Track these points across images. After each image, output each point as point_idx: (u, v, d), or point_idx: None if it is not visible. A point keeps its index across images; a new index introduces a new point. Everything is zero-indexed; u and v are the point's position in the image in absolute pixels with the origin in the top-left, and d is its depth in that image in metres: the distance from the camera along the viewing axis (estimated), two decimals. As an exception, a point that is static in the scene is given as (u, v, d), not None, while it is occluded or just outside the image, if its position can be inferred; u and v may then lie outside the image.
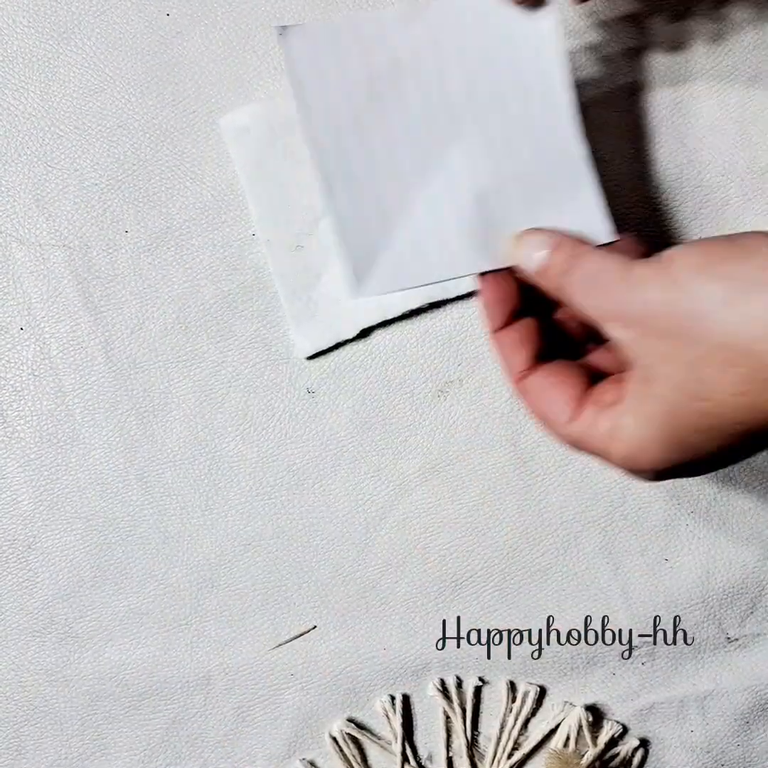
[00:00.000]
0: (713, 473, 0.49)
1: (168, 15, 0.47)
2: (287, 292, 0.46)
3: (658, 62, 0.47)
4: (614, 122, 0.47)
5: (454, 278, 0.42)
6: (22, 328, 0.47)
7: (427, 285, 0.42)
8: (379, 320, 0.46)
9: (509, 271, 0.41)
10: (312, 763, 0.48)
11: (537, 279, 0.40)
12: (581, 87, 0.47)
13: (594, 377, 0.40)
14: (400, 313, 0.46)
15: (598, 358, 0.42)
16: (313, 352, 0.47)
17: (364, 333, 0.47)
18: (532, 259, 0.40)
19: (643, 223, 0.47)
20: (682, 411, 0.34)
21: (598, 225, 0.42)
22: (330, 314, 0.46)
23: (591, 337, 0.42)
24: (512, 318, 0.41)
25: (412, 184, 0.41)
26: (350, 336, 0.46)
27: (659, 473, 0.36)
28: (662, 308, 0.34)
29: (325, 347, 0.47)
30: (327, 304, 0.46)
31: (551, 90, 0.41)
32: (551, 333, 0.42)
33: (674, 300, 0.33)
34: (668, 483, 0.48)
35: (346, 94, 0.40)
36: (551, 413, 0.39)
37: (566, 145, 0.42)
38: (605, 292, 0.36)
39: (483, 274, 0.41)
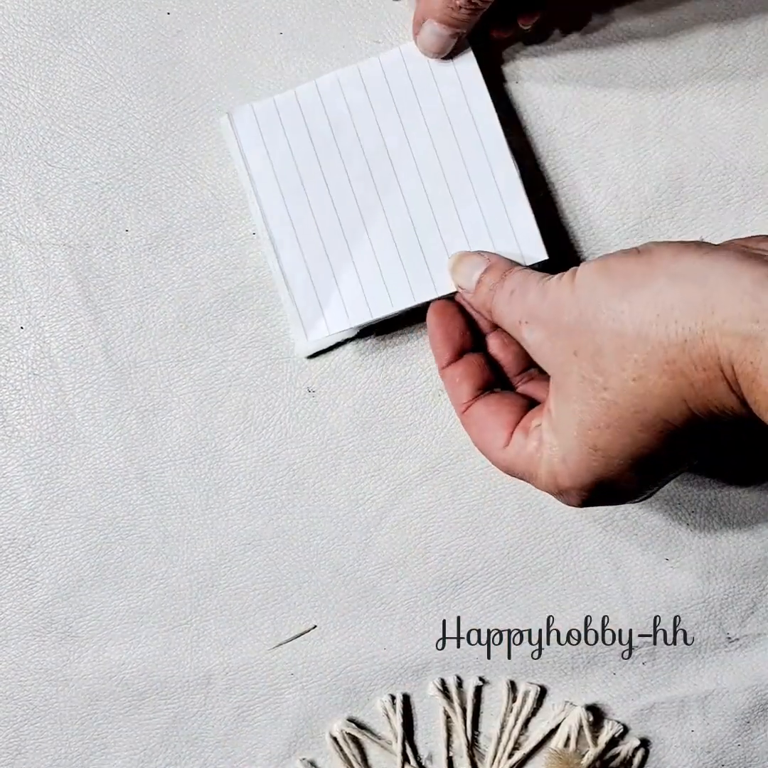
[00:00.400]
0: (714, 473, 0.49)
1: (168, 14, 0.47)
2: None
3: (658, 62, 0.47)
4: (614, 122, 0.47)
5: (401, 310, 0.45)
6: (22, 327, 0.47)
7: (375, 320, 0.45)
8: (380, 318, 0.46)
9: (456, 311, 0.44)
10: (312, 763, 0.48)
11: (470, 298, 0.43)
12: (581, 86, 0.47)
13: (533, 405, 0.42)
14: (400, 310, 0.45)
15: (531, 388, 0.44)
16: (314, 351, 0.47)
17: (364, 333, 0.47)
18: (470, 280, 0.43)
19: (643, 223, 0.47)
20: (590, 407, 0.36)
21: (533, 247, 0.45)
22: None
23: (522, 369, 0.45)
24: (459, 355, 0.43)
25: (356, 231, 0.45)
26: (350, 335, 0.46)
27: (585, 492, 0.38)
28: (566, 309, 0.37)
29: (325, 346, 0.47)
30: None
31: (482, 123, 0.45)
32: (494, 367, 0.44)
33: (575, 300, 0.36)
34: (669, 483, 0.48)
35: (290, 160, 0.45)
36: (488, 441, 0.41)
37: (500, 174, 0.45)
38: (522, 300, 0.39)
39: (430, 309, 0.44)
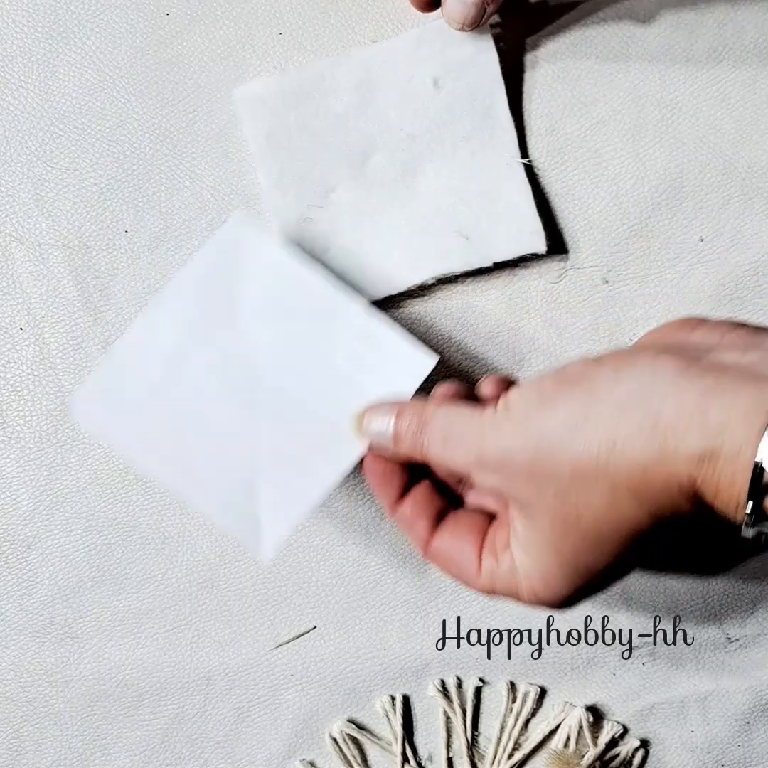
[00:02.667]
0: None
1: (167, 14, 0.47)
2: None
3: (658, 62, 0.47)
4: (614, 121, 0.47)
5: (335, 481, 0.42)
6: (21, 328, 0.47)
7: (316, 501, 0.42)
8: (384, 295, 0.46)
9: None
10: (312, 764, 0.48)
11: (394, 450, 0.40)
12: (582, 86, 0.47)
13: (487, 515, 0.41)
14: (404, 288, 0.46)
15: (477, 498, 0.42)
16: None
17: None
18: (383, 435, 0.41)
19: (643, 223, 0.47)
20: (566, 538, 0.35)
21: (416, 361, 0.43)
22: None
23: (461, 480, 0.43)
24: (403, 493, 0.41)
25: (246, 445, 0.43)
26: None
27: (568, 600, 0.37)
28: (516, 453, 0.35)
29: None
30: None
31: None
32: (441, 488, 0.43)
33: (523, 443, 0.35)
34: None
35: (145, 431, 0.42)
36: (460, 573, 0.40)
37: (361, 322, 0.43)
38: (462, 443, 0.37)
39: (364, 463, 0.42)
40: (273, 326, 0.43)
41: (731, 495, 0.31)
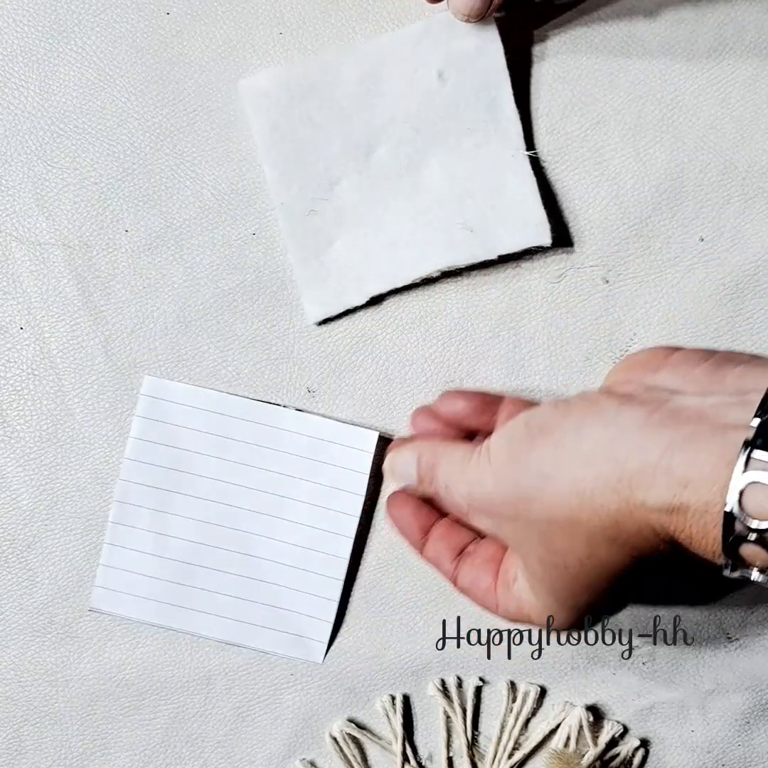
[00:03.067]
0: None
1: (168, 14, 0.47)
2: (299, 257, 0.46)
3: (659, 61, 0.47)
4: (614, 121, 0.47)
5: (344, 571, 0.47)
6: (21, 328, 0.47)
7: (338, 595, 0.47)
8: (388, 288, 0.46)
9: (407, 496, 0.44)
10: (312, 764, 0.48)
11: (421, 492, 0.43)
12: (582, 86, 0.47)
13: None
14: (410, 281, 0.46)
15: None
16: (323, 317, 0.46)
17: (374, 301, 0.47)
18: (410, 478, 0.42)
19: (644, 223, 0.47)
20: (558, 581, 0.36)
21: (360, 439, 0.47)
22: (340, 280, 0.46)
23: None
24: (427, 532, 0.43)
25: (255, 573, 0.47)
26: (359, 303, 0.46)
27: (577, 626, 0.39)
28: (498, 500, 0.37)
29: (335, 313, 0.47)
30: (338, 269, 0.46)
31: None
32: None
33: (503, 491, 0.37)
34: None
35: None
36: (485, 605, 0.41)
37: (298, 422, 0.47)
38: (458, 488, 0.39)
39: (388, 504, 0.45)
40: (227, 457, 0.46)
41: (706, 543, 0.32)
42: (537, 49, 0.47)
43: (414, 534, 0.44)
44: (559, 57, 0.47)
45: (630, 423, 0.33)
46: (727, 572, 0.32)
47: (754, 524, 0.30)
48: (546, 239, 0.45)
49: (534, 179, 0.45)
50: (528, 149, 0.46)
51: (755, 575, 0.32)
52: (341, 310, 0.46)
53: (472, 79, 0.45)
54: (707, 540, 0.31)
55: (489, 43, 0.44)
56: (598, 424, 0.34)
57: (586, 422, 0.34)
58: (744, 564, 0.32)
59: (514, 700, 0.49)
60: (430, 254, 0.45)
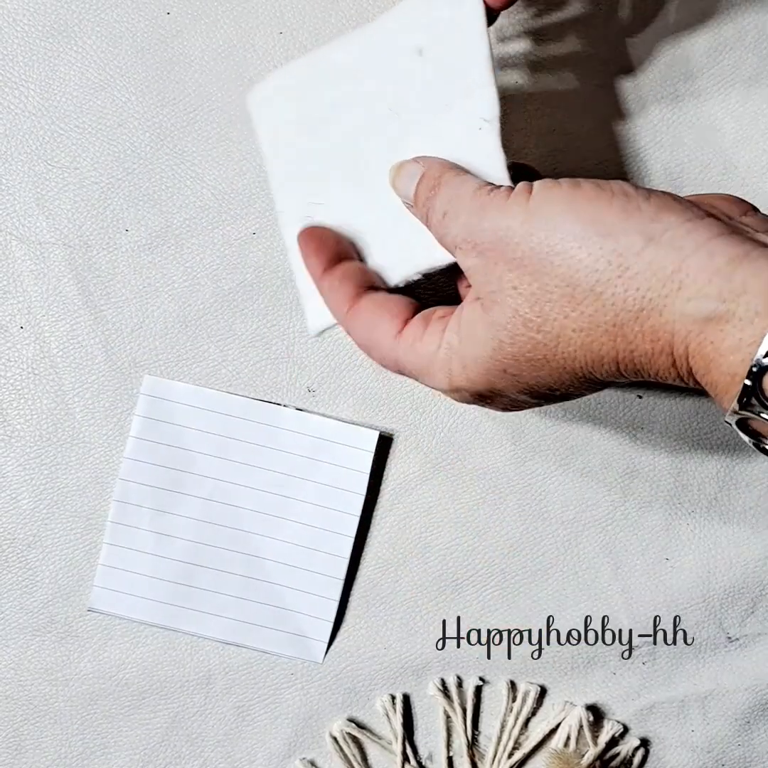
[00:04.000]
0: (714, 472, 0.48)
1: (168, 13, 0.47)
2: (299, 267, 0.42)
3: (659, 61, 0.47)
4: (614, 122, 0.47)
5: (344, 572, 0.47)
6: (22, 327, 0.47)
7: (338, 596, 0.47)
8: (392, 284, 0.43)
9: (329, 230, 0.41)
10: (312, 763, 0.48)
11: (414, 213, 0.38)
12: (582, 85, 0.47)
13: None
14: (403, 282, 0.41)
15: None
16: (324, 328, 0.43)
17: None
18: (408, 193, 0.38)
19: (644, 222, 0.47)
20: (516, 339, 0.34)
21: (361, 439, 0.47)
22: None
23: None
24: (336, 262, 0.39)
25: (256, 571, 0.47)
26: None
27: (475, 395, 0.36)
28: (516, 238, 0.33)
29: (335, 323, 0.43)
30: None
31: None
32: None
33: (530, 231, 0.33)
34: (668, 483, 0.48)
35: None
36: (377, 335, 0.38)
37: (298, 422, 0.47)
38: (457, 217, 0.35)
39: (300, 232, 0.41)
40: (226, 456, 0.47)
41: (729, 365, 0.30)
42: (537, 50, 0.47)
43: (323, 255, 0.39)
44: (559, 57, 0.47)
45: (707, 231, 0.31)
46: (729, 415, 0.31)
47: None
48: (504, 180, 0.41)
49: (502, 155, 0.38)
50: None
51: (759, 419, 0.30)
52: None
53: (451, 50, 0.40)
54: (733, 359, 0.30)
55: (468, 8, 0.39)
56: (678, 218, 0.31)
57: (668, 211, 0.32)
58: (757, 399, 0.30)
59: (514, 700, 0.49)
60: (418, 254, 0.41)
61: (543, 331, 0.33)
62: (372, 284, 0.39)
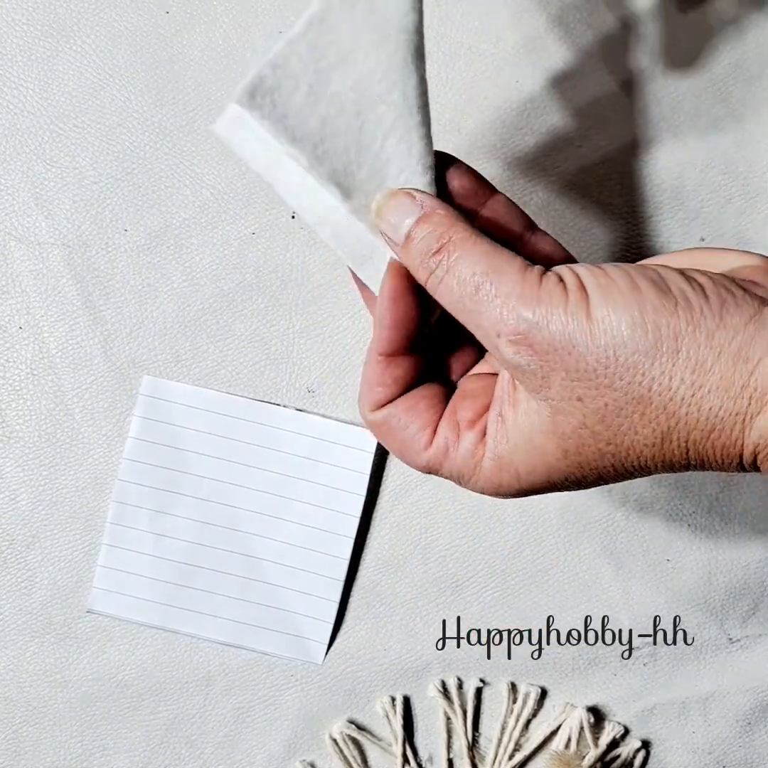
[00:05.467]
0: (715, 473, 0.48)
1: (167, 12, 0.46)
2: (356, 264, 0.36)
3: (660, 61, 0.47)
4: (615, 121, 0.47)
5: (344, 572, 0.47)
6: (20, 327, 0.47)
7: (338, 596, 0.47)
8: None
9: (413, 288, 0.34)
10: (312, 765, 0.48)
11: (400, 254, 0.33)
12: (582, 85, 0.47)
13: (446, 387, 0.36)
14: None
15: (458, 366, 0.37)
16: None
17: None
18: (397, 231, 0.33)
19: (645, 222, 0.47)
20: (583, 450, 0.32)
21: (361, 440, 0.47)
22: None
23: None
24: (406, 350, 0.35)
25: (255, 573, 0.47)
26: None
27: (527, 493, 0.34)
28: (580, 348, 0.30)
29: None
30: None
31: None
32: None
33: (596, 343, 0.30)
34: (669, 483, 0.48)
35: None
36: (404, 445, 0.35)
37: (297, 422, 0.47)
38: (504, 301, 0.31)
39: (389, 274, 0.35)
40: (226, 457, 0.46)
41: None
42: (537, 50, 0.47)
43: (398, 338, 0.34)
44: (559, 57, 0.47)
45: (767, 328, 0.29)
46: None
47: None
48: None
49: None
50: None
51: None
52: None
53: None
54: None
55: None
56: (740, 319, 0.30)
57: (729, 311, 0.30)
58: None
59: (514, 702, 0.48)
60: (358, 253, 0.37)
61: (613, 443, 0.31)
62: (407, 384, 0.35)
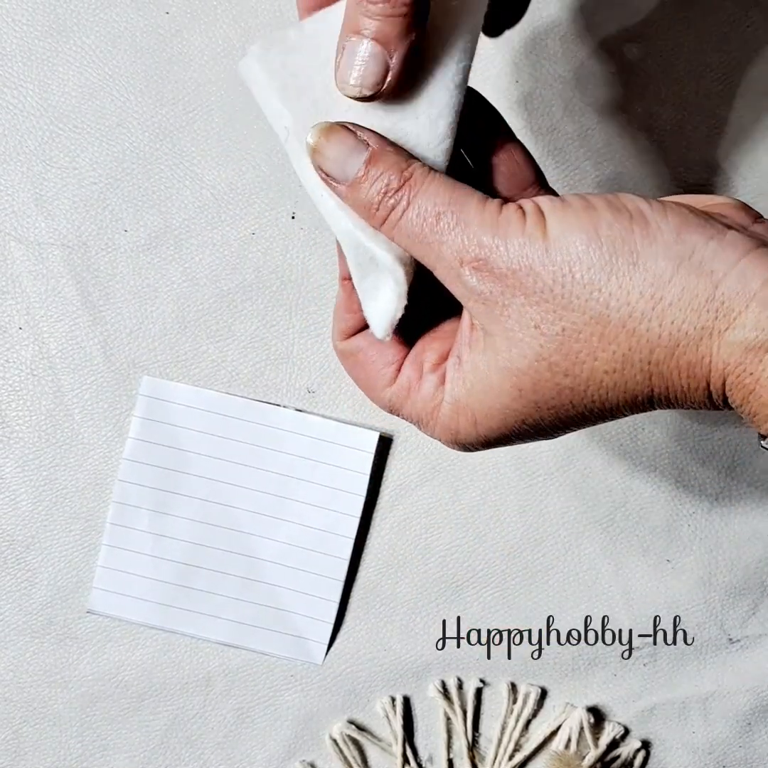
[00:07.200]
0: (715, 473, 0.48)
1: (167, 13, 0.46)
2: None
3: (661, 61, 0.47)
4: (616, 121, 0.47)
5: (343, 573, 0.47)
6: (20, 328, 0.47)
7: (338, 596, 0.47)
8: None
9: None
10: (312, 765, 0.48)
11: (344, 194, 0.32)
12: (583, 84, 0.47)
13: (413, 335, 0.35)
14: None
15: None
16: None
17: None
18: (343, 170, 0.31)
19: (645, 222, 0.47)
20: (539, 385, 0.30)
21: (361, 440, 0.47)
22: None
23: None
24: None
25: (255, 574, 0.47)
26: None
27: (486, 444, 0.33)
28: (535, 269, 0.29)
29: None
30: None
31: None
32: None
33: (552, 261, 0.29)
34: (670, 483, 0.48)
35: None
36: (368, 380, 0.35)
37: (296, 422, 0.47)
38: (463, 231, 0.30)
39: None
40: (226, 457, 0.46)
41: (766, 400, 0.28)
42: (537, 49, 0.47)
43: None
44: (560, 56, 0.47)
45: (733, 248, 0.29)
46: (765, 443, 0.30)
47: None
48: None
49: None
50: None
51: None
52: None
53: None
54: None
55: None
56: (701, 236, 0.29)
57: (689, 229, 0.29)
58: None
59: (514, 702, 0.48)
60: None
61: (571, 374, 0.30)
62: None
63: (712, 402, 0.30)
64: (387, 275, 0.33)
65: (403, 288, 0.32)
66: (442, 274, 0.31)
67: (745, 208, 0.33)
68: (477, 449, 0.33)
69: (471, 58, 0.32)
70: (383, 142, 0.32)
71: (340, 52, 0.31)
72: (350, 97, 0.31)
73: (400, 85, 0.31)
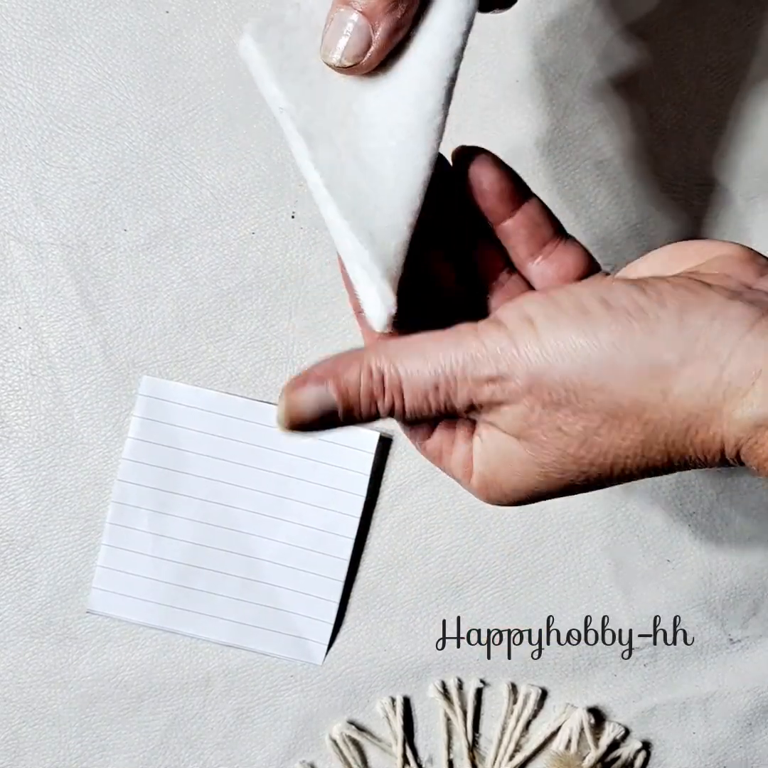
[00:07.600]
0: (716, 473, 0.48)
1: (167, 12, 0.46)
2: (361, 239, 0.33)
3: (662, 60, 0.47)
4: (617, 121, 0.47)
5: (343, 575, 0.47)
6: (20, 327, 0.47)
7: (338, 597, 0.47)
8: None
9: None
10: (312, 765, 0.48)
11: (348, 418, 0.33)
12: (583, 84, 0.47)
13: None
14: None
15: None
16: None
17: None
18: (323, 407, 0.34)
19: (646, 221, 0.47)
20: (566, 473, 0.32)
21: (361, 440, 0.46)
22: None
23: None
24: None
25: (254, 574, 0.47)
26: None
27: (521, 504, 0.34)
28: (546, 380, 0.30)
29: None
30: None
31: None
32: None
33: (558, 372, 0.30)
34: (670, 484, 0.48)
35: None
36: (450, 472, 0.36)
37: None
38: (462, 384, 0.31)
39: None
40: (226, 457, 0.46)
41: None
42: (538, 49, 0.47)
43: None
44: (561, 56, 0.47)
45: (739, 324, 0.29)
46: None
47: None
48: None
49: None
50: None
51: None
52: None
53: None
54: None
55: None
56: (703, 316, 0.29)
57: (690, 311, 0.30)
58: None
59: (514, 702, 0.48)
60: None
61: (596, 464, 0.31)
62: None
63: (728, 465, 0.31)
64: (374, 285, 0.33)
65: (390, 301, 0.32)
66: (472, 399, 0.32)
67: (752, 257, 0.33)
68: (513, 506, 0.35)
69: (465, 40, 0.32)
70: (336, 364, 0.33)
71: (329, 22, 0.32)
72: (330, 66, 0.32)
73: (382, 60, 0.32)
